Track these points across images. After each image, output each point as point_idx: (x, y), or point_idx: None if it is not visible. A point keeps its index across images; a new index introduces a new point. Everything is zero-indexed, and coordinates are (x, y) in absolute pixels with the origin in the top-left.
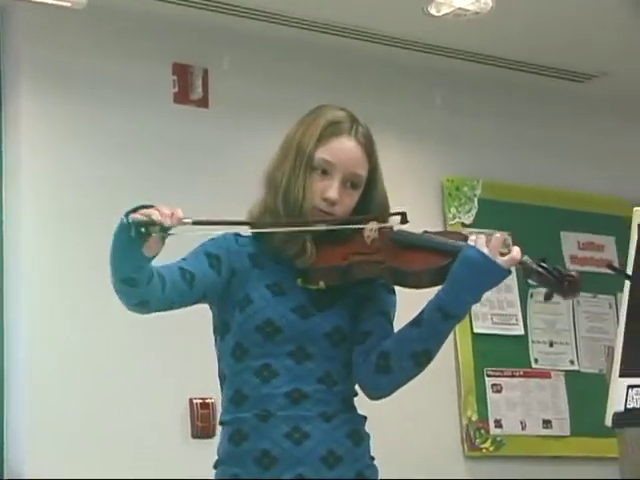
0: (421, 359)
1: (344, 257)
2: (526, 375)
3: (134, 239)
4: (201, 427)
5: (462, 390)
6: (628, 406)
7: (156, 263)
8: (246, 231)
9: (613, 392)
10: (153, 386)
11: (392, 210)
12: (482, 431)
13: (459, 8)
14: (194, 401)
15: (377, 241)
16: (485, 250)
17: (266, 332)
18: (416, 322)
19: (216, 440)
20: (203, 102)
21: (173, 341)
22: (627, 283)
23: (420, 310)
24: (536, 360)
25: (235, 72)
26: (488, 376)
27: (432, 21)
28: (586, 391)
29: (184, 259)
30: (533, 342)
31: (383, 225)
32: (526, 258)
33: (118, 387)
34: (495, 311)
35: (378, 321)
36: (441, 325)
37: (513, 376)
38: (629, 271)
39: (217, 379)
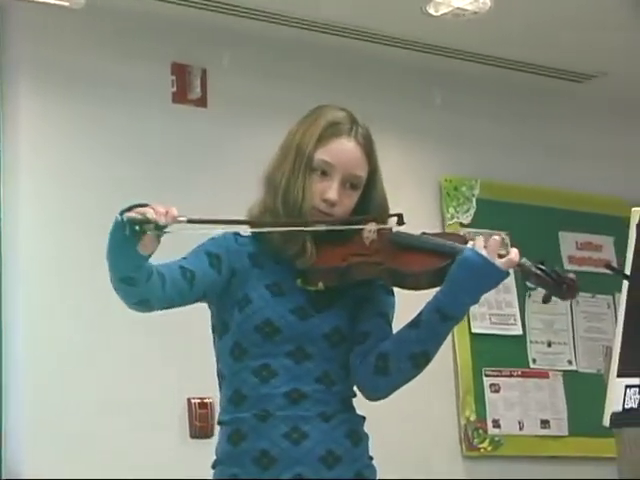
0: (419, 360)
1: (343, 258)
2: (524, 375)
3: (129, 237)
4: (199, 427)
5: (460, 390)
6: (626, 406)
7: (155, 263)
8: (246, 231)
9: (611, 392)
10: (151, 386)
11: (391, 211)
12: (480, 431)
13: (458, 8)
14: (192, 401)
15: (376, 242)
16: (483, 252)
17: (265, 332)
18: (414, 324)
19: (214, 440)
20: (201, 102)
21: (171, 341)
22: (625, 283)
23: (418, 312)
24: (534, 360)
25: (234, 72)
26: (486, 376)
27: (431, 21)
28: (584, 391)
29: (184, 258)
30: (531, 342)
31: (382, 226)
32: (524, 260)
33: (117, 387)
34: (493, 311)
35: (377, 322)
36: (439, 327)
37: (511, 376)
38: (627, 271)
39: (215, 379)
